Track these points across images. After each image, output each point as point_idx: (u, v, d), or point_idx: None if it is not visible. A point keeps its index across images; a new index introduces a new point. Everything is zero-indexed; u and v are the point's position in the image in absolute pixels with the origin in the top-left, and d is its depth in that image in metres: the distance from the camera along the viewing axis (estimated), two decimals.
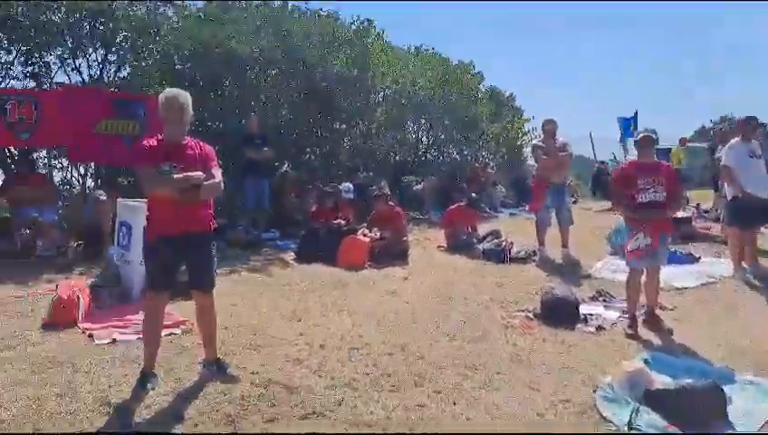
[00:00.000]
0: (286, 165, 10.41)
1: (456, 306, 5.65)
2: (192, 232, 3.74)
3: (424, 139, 14.67)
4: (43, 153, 9.02)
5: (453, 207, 8.96)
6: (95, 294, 5.17)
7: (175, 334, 4.60)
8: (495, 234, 8.58)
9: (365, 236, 7.89)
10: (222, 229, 8.63)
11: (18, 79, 8.76)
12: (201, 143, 3.89)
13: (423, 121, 14.08)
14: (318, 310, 5.47)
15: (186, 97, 3.77)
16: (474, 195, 8.98)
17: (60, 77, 9.15)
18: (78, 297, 4.90)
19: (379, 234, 8.10)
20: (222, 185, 3.79)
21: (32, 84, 8.82)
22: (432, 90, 13.13)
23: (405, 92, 12.65)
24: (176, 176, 3.63)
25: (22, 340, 4.44)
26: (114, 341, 4.47)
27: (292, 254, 7.89)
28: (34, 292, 5.69)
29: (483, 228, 9.11)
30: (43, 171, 8.78)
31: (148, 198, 3.78)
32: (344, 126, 12.23)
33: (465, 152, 15.11)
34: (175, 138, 3.75)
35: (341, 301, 5.80)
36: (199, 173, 3.71)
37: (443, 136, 14.34)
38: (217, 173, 3.80)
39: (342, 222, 8.31)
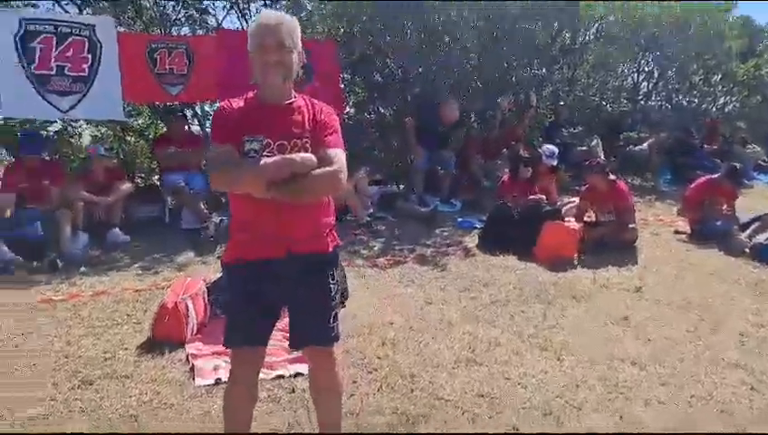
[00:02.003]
0: (472, 118, 8.56)
1: (750, 362, 3.51)
2: (298, 254, 2.17)
3: (644, 84, 11.71)
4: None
5: (701, 180, 6.42)
6: (212, 302, 3.91)
7: (289, 380, 3.15)
8: (765, 221, 5.95)
9: (575, 220, 5.85)
10: (390, 199, 7.16)
11: (179, 24, 7.90)
12: (317, 103, 2.27)
13: (645, 62, 11.15)
14: (509, 344, 3.68)
15: (292, 24, 2.16)
16: (736, 165, 6.34)
17: (229, 23, 8.23)
18: (187, 307, 3.67)
19: (593, 217, 5.97)
20: (343, 174, 2.15)
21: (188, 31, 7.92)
22: (660, 20, 10.19)
23: (623, 25, 9.93)
24: (266, 160, 2.05)
25: (107, 369, 3.29)
26: (218, 382, 3.15)
27: (476, 237, 6.12)
28: (157, 283, 4.64)
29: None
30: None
31: (229, 196, 2.27)
32: (544, 70, 9.93)
33: (699, 101, 11.83)
34: (274, 94, 2.18)
35: (545, 328, 3.94)
36: (307, 156, 2.11)
37: (674, 79, 11.23)
38: (338, 154, 2.16)
39: (543, 198, 6.30)
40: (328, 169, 2.10)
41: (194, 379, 3.21)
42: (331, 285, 2.26)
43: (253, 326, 2.21)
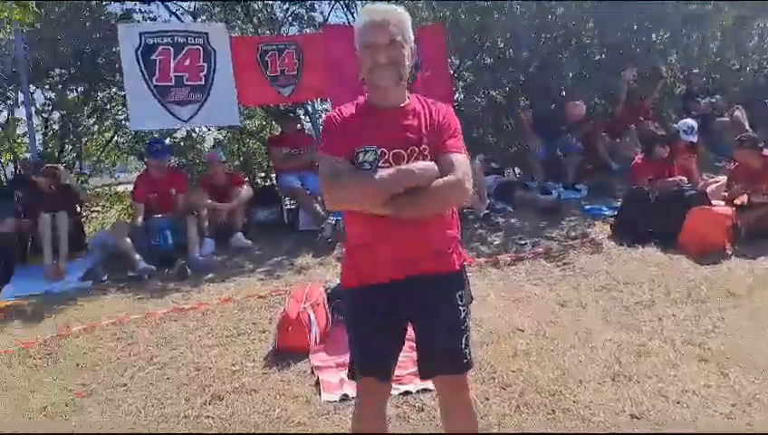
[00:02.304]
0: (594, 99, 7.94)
1: None
2: (421, 275, 1.95)
3: None
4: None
5: None
6: (333, 309, 3.81)
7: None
8: None
9: (724, 203, 5.20)
10: (508, 188, 6.78)
11: (287, 24, 7.96)
12: (433, 103, 2.05)
13: None
14: (660, 354, 3.26)
15: (402, 16, 1.94)
16: None
17: (335, 18, 8.16)
18: (309, 316, 3.59)
19: (745, 199, 5.28)
20: (469, 182, 1.91)
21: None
22: None
23: None
24: (382, 173, 1.85)
25: (236, 383, 3.27)
26: (345, 398, 3.03)
27: (607, 227, 5.61)
28: (279, 289, 4.63)
29: None
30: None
31: (343, 213, 2.08)
32: (669, 34, 8.97)
33: None
34: (386, 98, 1.97)
35: (701, 334, 3.47)
36: (427, 165, 1.89)
37: None
38: (461, 160, 1.92)
39: (683, 180, 5.67)
40: (451, 177, 1.87)
41: (320, 394, 3.10)
42: (461, 307, 2.02)
43: (378, 358, 2.02)
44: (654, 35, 8.68)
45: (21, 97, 6.44)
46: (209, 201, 5.74)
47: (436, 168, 1.89)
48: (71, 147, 8.03)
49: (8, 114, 7.12)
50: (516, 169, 8.63)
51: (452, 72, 8.09)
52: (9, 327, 4.19)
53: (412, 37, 1.97)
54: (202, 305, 4.31)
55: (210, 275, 5.02)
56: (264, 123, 8.84)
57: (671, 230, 5.00)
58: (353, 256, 2.04)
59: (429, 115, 1.99)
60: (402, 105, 1.98)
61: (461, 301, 2.03)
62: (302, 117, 7.80)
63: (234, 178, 6.17)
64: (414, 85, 7.19)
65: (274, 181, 6.91)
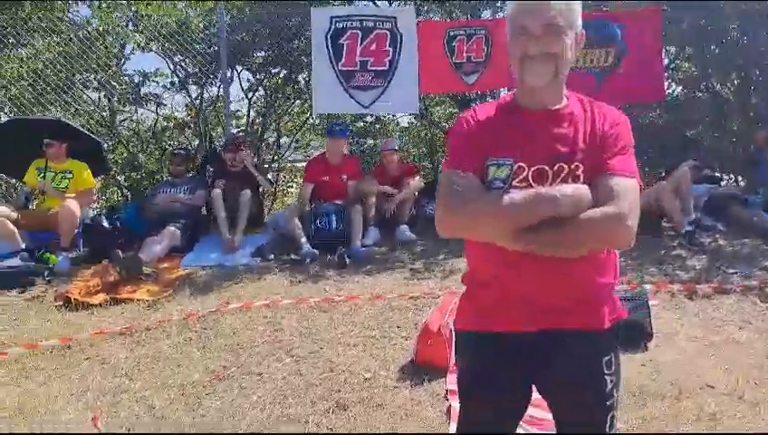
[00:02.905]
0: None
1: None
2: (559, 331, 1.50)
3: None
4: None
5: None
6: None
7: None
8: None
9: None
10: (723, 202, 5.68)
11: (480, 8, 7.52)
12: (600, 107, 1.57)
13: None
14: None
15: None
16: None
17: None
18: (452, 331, 3.24)
19: None
20: (632, 219, 1.41)
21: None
22: None
23: None
24: (514, 195, 1.43)
25: (365, 393, 3.05)
26: None
27: None
28: (433, 291, 4.33)
29: None
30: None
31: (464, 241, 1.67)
32: None
33: None
34: (536, 98, 1.55)
35: None
36: (577, 189, 1.44)
37: None
38: (625, 187, 1.44)
39: None
40: (610, 209, 1.40)
41: (449, 422, 2.76)
42: (607, 377, 1.53)
43: (494, 423, 1.62)
44: None
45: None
46: (382, 187, 5.62)
47: (589, 194, 1.43)
48: (273, 125, 8.49)
49: (217, 92, 7.75)
50: (739, 178, 7.32)
51: (667, 61, 7.06)
52: (180, 296, 4.45)
53: (580, 21, 1.52)
54: (352, 299, 4.18)
55: (368, 267, 4.89)
56: (453, 111, 8.53)
57: None
58: (475, 294, 1.63)
59: (592, 123, 1.52)
60: (556, 108, 1.54)
61: (608, 369, 1.54)
62: None
63: (406, 169, 5.99)
64: (614, 75, 6.37)
65: None
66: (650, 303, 3.75)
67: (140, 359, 3.49)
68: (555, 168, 1.47)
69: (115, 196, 7.98)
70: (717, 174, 6.61)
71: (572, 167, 1.46)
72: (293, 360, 3.44)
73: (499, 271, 1.52)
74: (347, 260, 4.86)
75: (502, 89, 6.72)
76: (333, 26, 6.19)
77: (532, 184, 1.46)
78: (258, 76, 7.81)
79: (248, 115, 8.25)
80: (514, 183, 1.48)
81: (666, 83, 6.88)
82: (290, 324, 3.89)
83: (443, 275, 4.70)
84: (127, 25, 7.25)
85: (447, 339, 3.19)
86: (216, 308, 4.13)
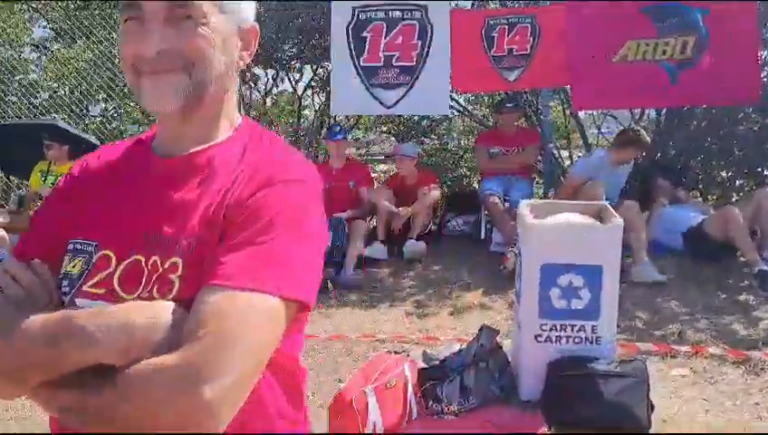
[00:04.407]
0: None
1: None
2: None
3: None
4: None
5: None
6: (423, 394, 2.67)
7: None
8: None
9: None
10: None
11: None
12: (270, 150, 0.88)
13: None
14: None
15: None
16: None
17: None
18: (368, 403, 2.53)
19: None
20: (228, 369, 0.69)
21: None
22: None
23: None
24: (35, 319, 0.75)
25: None
26: None
27: None
28: (428, 331, 3.61)
29: None
30: None
31: None
32: None
33: None
34: (173, 127, 0.87)
35: None
36: (146, 311, 0.73)
37: None
38: (228, 310, 0.72)
39: None
40: (167, 361, 0.69)
41: None
42: None
43: None
44: None
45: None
46: (385, 202, 4.92)
47: (172, 321, 0.73)
48: None
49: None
50: None
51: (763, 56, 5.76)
52: None
53: (248, 12, 0.87)
54: (309, 337, 3.56)
55: (356, 297, 4.20)
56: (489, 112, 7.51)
57: None
58: None
59: (233, 181, 0.82)
60: (194, 151, 0.86)
61: None
62: (528, 109, 6.37)
63: (423, 177, 5.24)
64: (693, 71, 5.22)
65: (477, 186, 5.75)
66: (677, 372, 2.86)
67: None
68: (150, 263, 0.78)
69: None
70: None
71: (167, 265, 0.77)
72: None
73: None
74: (329, 287, 4.22)
75: (546, 87, 5.80)
76: (356, 17, 5.54)
77: (118, 290, 0.79)
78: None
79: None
80: (87, 288, 0.80)
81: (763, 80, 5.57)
82: None
83: (441, 311, 3.95)
84: None
85: (360, 410, 2.49)
86: None
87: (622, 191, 4.86)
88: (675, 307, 3.76)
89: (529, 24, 5.44)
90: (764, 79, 5.83)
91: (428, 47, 5.51)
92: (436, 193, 5.05)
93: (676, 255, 4.48)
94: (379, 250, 4.79)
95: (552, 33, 5.40)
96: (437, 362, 2.83)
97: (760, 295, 3.82)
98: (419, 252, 4.74)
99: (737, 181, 5.99)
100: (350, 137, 5.79)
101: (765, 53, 5.84)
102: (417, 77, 5.52)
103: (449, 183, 6.97)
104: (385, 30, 5.53)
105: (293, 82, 7.43)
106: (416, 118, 7.41)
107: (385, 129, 8.51)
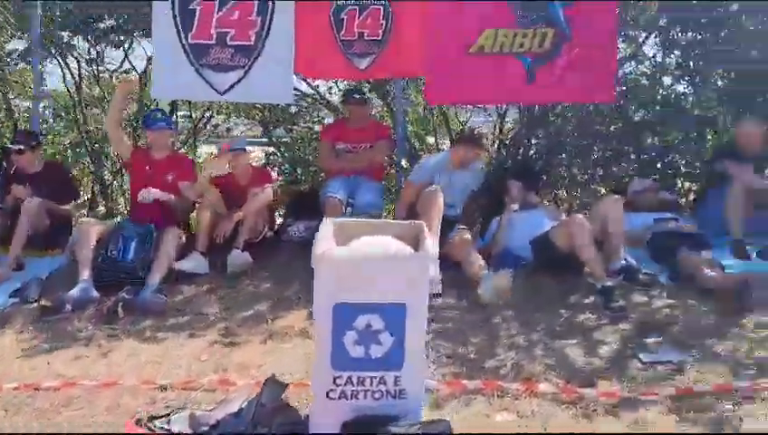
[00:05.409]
0: None
1: None
2: None
3: None
4: None
5: None
6: None
7: None
8: None
9: None
10: (672, 241, 4.27)
11: None
12: None
13: None
14: None
15: None
16: None
17: None
18: None
19: None
20: None
21: None
22: None
23: None
24: None
25: None
26: None
27: None
28: (201, 376, 2.98)
29: None
30: None
31: None
32: None
33: None
34: None
35: None
36: None
37: None
38: None
39: None
40: None
41: None
42: None
43: None
44: None
45: None
46: (211, 198, 4.23)
47: None
48: None
49: None
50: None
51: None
52: None
53: None
54: (68, 386, 2.81)
55: (147, 326, 3.46)
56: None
57: None
58: None
59: None
60: None
61: None
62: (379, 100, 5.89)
63: (258, 175, 4.59)
64: (551, 66, 4.92)
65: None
66: (502, 418, 2.45)
67: None
68: None
69: None
70: (675, 198, 5.19)
71: None
72: None
73: None
74: (120, 311, 3.47)
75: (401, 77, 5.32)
76: None
77: None
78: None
79: None
80: None
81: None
82: None
83: (254, 340, 3.33)
84: None
85: None
86: None
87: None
88: (514, 330, 3.37)
89: (381, 7, 4.91)
90: (621, 78, 5.69)
91: (269, 26, 4.84)
92: (268, 193, 4.40)
93: (527, 267, 4.14)
94: (196, 263, 4.10)
95: (407, 18, 4.91)
96: (206, 430, 2.23)
97: (604, 315, 3.52)
98: (242, 265, 4.11)
99: (593, 185, 5.82)
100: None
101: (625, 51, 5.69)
102: (256, 59, 4.84)
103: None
104: (218, 3, 4.78)
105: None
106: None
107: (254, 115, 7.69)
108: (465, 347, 3.20)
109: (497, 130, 6.58)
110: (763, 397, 2.68)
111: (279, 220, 4.99)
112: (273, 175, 5.55)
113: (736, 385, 2.76)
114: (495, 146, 6.27)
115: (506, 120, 6.50)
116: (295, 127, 7.15)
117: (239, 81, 4.84)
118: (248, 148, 4.82)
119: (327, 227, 2.44)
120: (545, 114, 5.92)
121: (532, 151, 6.00)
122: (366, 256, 2.21)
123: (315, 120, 7.19)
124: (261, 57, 4.83)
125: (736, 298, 3.53)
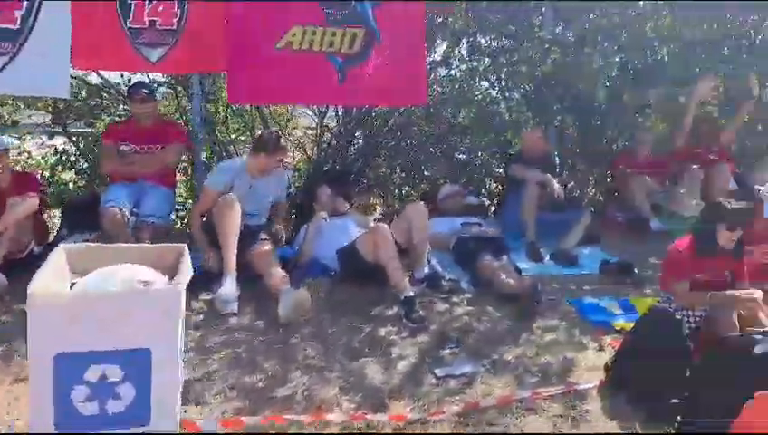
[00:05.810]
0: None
1: None
2: None
3: None
4: None
5: None
6: None
7: None
8: None
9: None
10: (478, 247, 4.34)
11: None
12: None
13: None
14: None
15: None
16: None
17: None
18: None
19: None
20: None
21: None
22: None
23: None
24: None
25: None
26: None
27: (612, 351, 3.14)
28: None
29: None
30: None
31: None
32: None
33: None
34: None
35: None
36: None
37: None
38: None
39: (757, 298, 3.12)
40: None
41: None
42: None
43: None
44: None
45: None
46: None
47: None
48: None
49: None
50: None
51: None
52: None
53: None
54: None
55: None
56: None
57: (717, 413, 2.50)
58: None
59: None
60: None
61: None
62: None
63: (22, 182, 3.92)
64: (362, 67, 4.81)
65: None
66: None
67: None
68: None
69: None
70: (483, 203, 5.35)
71: None
72: None
73: None
74: None
75: (197, 73, 4.88)
76: None
77: None
78: None
79: None
80: None
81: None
82: None
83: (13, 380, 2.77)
84: None
85: None
86: None
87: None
88: (311, 351, 3.16)
89: None
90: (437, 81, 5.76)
91: (38, 7, 4.17)
92: (31, 203, 3.75)
93: (334, 277, 3.98)
94: None
95: (207, 7, 4.50)
96: None
97: (404, 327, 3.43)
98: None
99: (407, 187, 5.83)
100: None
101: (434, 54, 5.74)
102: (23, 45, 4.15)
103: None
104: None
105: None
106: None
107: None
108: (254, 375, 2.92)
109: (318, 131, 6.36)
110: (544, 407, 2.72)
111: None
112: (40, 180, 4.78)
113: (520, 395, 2.78)
114: (315, 148, 6.06)
115: (325, 122, 6.30)
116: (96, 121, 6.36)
117: (2, 69, 4.12)
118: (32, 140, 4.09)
119: (58, 255, 2.01)
120: (364, 116, 5.81)
121: (350, 154, 5.86)
122: (98, 295, 1.84)
123: (121, 113, 6.48)
124: (29, 43, 4.15)
125: (528, 302, 3.63)
